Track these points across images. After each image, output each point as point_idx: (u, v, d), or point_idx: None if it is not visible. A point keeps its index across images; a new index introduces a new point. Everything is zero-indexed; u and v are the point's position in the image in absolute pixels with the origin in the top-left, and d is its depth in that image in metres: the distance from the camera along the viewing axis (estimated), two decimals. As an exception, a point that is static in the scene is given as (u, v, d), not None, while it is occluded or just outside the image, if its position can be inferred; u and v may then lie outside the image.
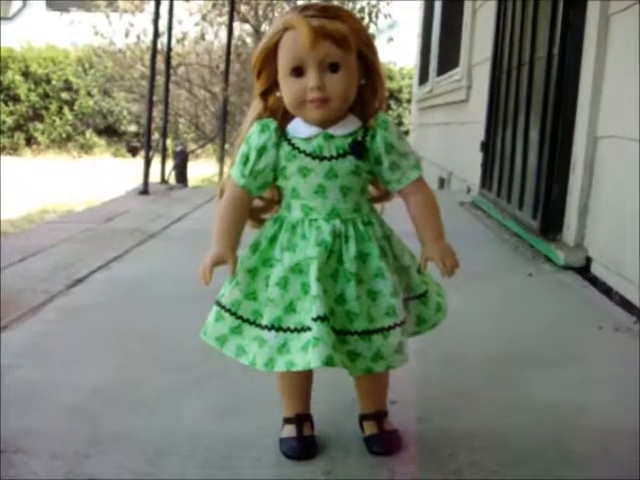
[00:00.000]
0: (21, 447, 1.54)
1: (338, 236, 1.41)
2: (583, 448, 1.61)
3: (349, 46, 1.35)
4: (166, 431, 1.63)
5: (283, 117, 1.44)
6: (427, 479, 1.46)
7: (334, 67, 1.35)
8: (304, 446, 1.53)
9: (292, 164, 1.42)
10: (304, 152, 1.41)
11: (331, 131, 1.41)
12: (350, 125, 1.43)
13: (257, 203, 1.53)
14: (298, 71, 1.36)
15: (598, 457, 1.57)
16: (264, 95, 1.45)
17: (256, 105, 1.47)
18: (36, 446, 1.55)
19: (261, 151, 1.42)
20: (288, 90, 1.39)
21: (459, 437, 1.63)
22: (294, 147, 1.42)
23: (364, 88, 1.44)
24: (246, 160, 1.43)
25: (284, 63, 1.37)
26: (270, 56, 1.39)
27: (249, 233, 1.51)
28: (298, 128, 1.42)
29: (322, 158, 1.41)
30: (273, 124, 1.43)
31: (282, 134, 1.43)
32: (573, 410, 1.80)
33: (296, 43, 1.34)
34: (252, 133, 1.43)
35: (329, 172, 1.41)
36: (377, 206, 1.54)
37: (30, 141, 14.14)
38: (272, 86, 1.43)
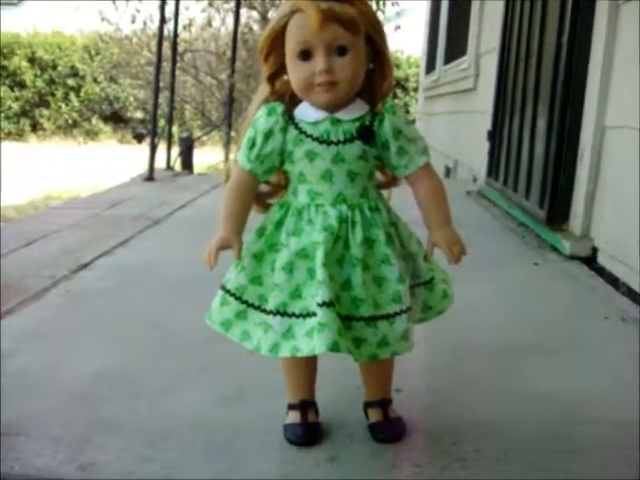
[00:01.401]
0: (23, 431, 1.54)
1: (344, 221, 1.40)
2: (587, 438, 1.60)
3: (358, 29, 1.34)
4: (168, 416, 1.63)
5: (290, 101, 1.42)
6: (430, 466, 1.45)
7: (342, 50, 1.33)
8: (308, 432, 1.53)
9: (299, 148, 1.40)
10: (311, 136, 1.40)
11: (338, 115, 1.40)
12: (358, 110, 1.41)
13: (263, 188, 1.51)
14: (306, 54, 1.34)
15: (602, 447, 1.56)
16: (271, 79, 1.43)
17: (263, 89, 1.45)
18: (38, 430, 1.55)
19: (268, 135, 1.41)
20: (295, 73, 1.37)
21: (463, 425, 1.62)
22: (301, 131, 1.40)
23: (372, 73, 1.42)
24: (252, 144, 1.42)
25: (292, 46, 1.35)
26: (278, 39, 1.37)
27: (255, 218, 1.50)
28: (305, 112, 1.41)
29: (329, 143, 1.39)
30: (280, 108, 1.41)
31: (289, 118, 1.41)
32: (578, 400, 1.79)
33: (304, 26, 1.32)
34: (259, 117, 1.42)
35: (336, 157, 1.39)
36: (384, 193, 1.53)
37: (36, 127, 14.16)
38: (279, 70, 1.41)
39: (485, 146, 5.41)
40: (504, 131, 5.00)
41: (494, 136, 5.26)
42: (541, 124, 4.01)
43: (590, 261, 3.21)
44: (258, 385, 1.79)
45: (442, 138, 7.80)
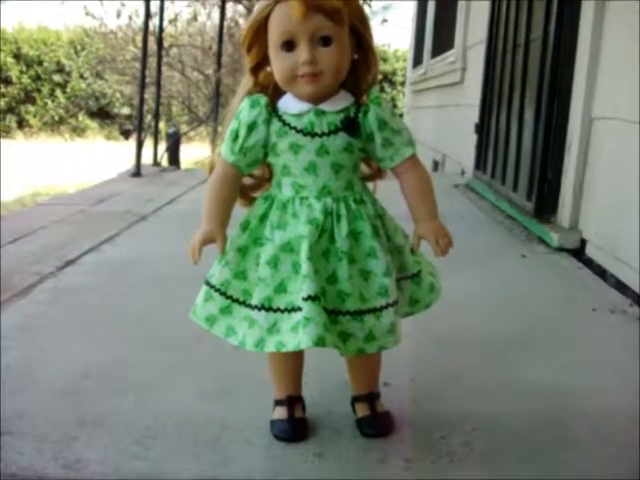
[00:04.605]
0: (9, 429, 1.51)
1: (330, 214, 1.38)
2: (576, 430, 1.60)
3: (341, 19, 1.32)
4: (155, 412, 1.61)
5: (274, 93, 1.41)
6: (419, 461, 1.44)
7: (326, 41, 1.32)
8: (295, 428, 1.51)
9: (283, 141, 1.39)
10: (295, 128, 1.38)
11: (322, 107, 1.38)
12: (342, 101, 1.40)
13: (247, 181, 1.50)
14: (289, 45, 1.33)
15: (591, 439, 1.56)
16: (254, 70, 1.42)
17: (246, 81, 1.43)
18: (24, 428, 1.53)
19: (251, 127, 1.39)
20: (279, 65, 1.35)
21: (452, 419, 1.61)
22: (285, 123, 1.39)
23: (356, 64, 1.40)
24: (236, 136, 1.40)
25: (274, 37, 1.34)
26: (260, 30, 1.35)
27: (240, 212, 1.49)
28: (289, 104, 1.39)
29: (313, 135, 1.38)
30: (264, 100, 1.39)
31: (273, 110, 1.40)
32: (567, 392, 1.78)
33: (287, 16, 1.30)
34: (242, 109, 1.40)
35: (320, 149, 1.38)
36: (369, 185, 1.51)
37: (22, 124, 14.10)
38: (262, 61, 1.40)
39: (473, 139, 5.41)
40: (492, 124, 5.00)
41: (482, 129, 5.26)
42: (528, 116, 4.01)
43: (578, 253, 3.21)
44: (245, 381, 1.77)
45: (430, 132, 7.80)
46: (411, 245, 1.48)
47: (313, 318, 1.29)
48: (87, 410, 1.62)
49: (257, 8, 1.37)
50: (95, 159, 10.04)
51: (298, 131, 1.38)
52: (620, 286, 2.71)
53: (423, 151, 7.37)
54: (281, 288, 1.37)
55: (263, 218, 1.41)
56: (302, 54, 1.32)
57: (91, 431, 1.53)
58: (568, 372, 1.91)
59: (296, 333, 1.31)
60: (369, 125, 1.40)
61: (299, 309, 1.33)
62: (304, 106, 1.38)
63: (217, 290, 1.42)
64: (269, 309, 1.37)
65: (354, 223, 1.39)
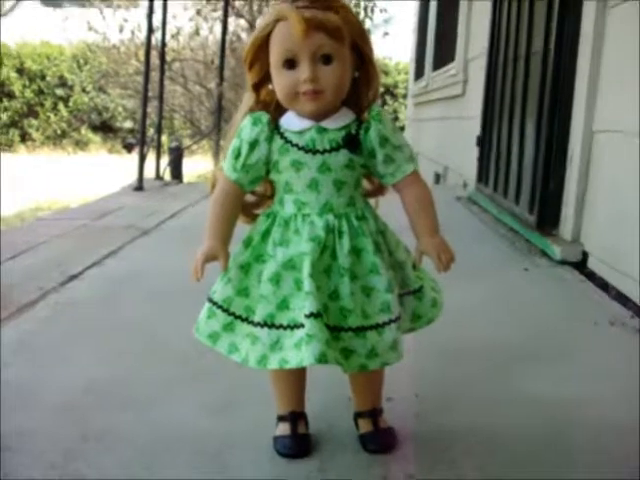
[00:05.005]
0: (10, 445, 1.51)
1: (331, 231, 1.39)
2: (578, 442, 1.60)
3: (342, 37, 1.33)
4: (157, 428, 1.61)
5: (276, 110, 1.42)
6: (422, 476, 1.44)
7: (327, 59, 1.33)
8: (298, 444, 1.51)
9: (285, 158, 1.39)
10: (297, 145, 1.39)
11: (324, 124, 1.39)
12: (343, 118, 1.40)
13: (249, 198, 1.50)
14: (290, 63, 1.34)
15: (593, 451, 1.56)
16: (256, 88, 1.43)
17: (248, 98, 1.44)
18: (26, 444, 1.53)
19: (253, 145, 1.40)
20: (280, 82, 1.36)
21: (455, 433, 1.61)
22: (287, 140, 1.39)
23: (358, 80, 1.41)
24: (238, 154, 1.41)
25: (276, 55, 1.35)
26: (262, 48, 1.36)
27: (243, 228, 1.49)
28: (291, 121, 1.40)
29: (315, 152, 1.38)
30: (265, 117, 1.40)
31: (275, 127, 1.40)
32: (569, 405, 1.78)
33: (288, 34, 1.31)
34: (244, 126, 1.41)
35: (322, 166, 1.38)
36: (371, 201, 1.52)
37: (25, 137, 14.13)
38: (264, 78, 1.40)
39: (474, 152, 5.41)
40: (493, 136, 5.00)
41: (483, 142, 5.26)
42: (530, 129, 4.01)
43: (580, 266, 3.21)
44: (247, 395, 1.78)
45: (432, 144, 7.80)
46: (413, 260, 1.48)
47: (315, 335, 1.29)
48: (89, 425, 1.62)
49: (258, 26, 1.39)
50: (98, 172, 10.06)
51: (300, 148, 1.38)
52: (622, 299, 2.71)
53: (425, 163, 7.39)
54: (283, 305, 1.37)
55: (265, 235, 1.41)
56: (304, 72, 1.32)
57: (93, 447, 1.53)
58: (570, 384, 1.91)
59: (299, 350, 1.31)
60: (370, 142, 1.40)
61: (301, 326, 1.33)
62: (306, 123, 1.39)
63: (220, 307, 1.43)
64: (272, 326, 1.37)
65: (356, 239, 1.40)
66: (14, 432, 1.58)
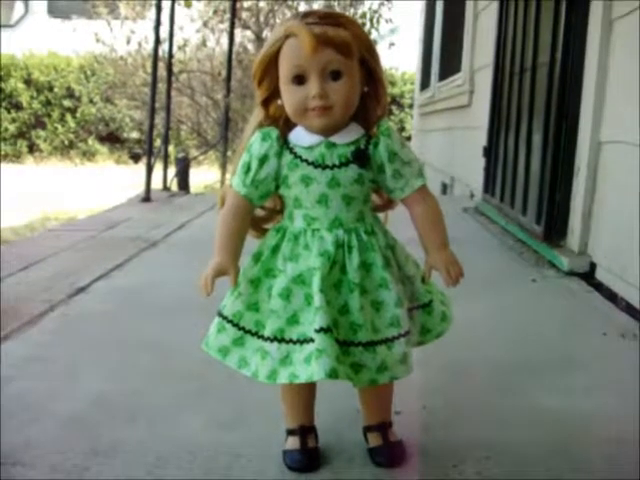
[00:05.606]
0: (20, 460, 1.52)
1: (341, 246, 1.39)
2: (589, 456, 1.59)
3: (351, 53, 1.34)
4: (166, 441, 1.62)
5: (285, 125, 1.42)
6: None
7: (336, 75, 1.34)
8: (308, 458, 1.51)
9: (294, 173, 1.40)
10: (306, 161, 1.39)
11: (333, 139, 1.39)
12: (352, 133, 1.41)
13: (259, 213, 1.51)
14: (300, 79, 1.34)
15: (603, 465, 1.55)
16: (265, 103, 1.43)
17: (257, 113, 1.45)
18: (35, 458, 1.53)
19: (263, 160, 1.40)
20: (290, 98, 1.37)
21: (464, 447, 1.61)
22: (296, 156, 1.40)
23: (366, 95, 1.42)
24: (247, 169, 1.42)
25: (285, 71, 1.35)
26: (271, 64, 1.37)
27: (252, 242, 1.50)
28: (300, 136, 1.41)
29: (324, 167, 1.39)
30: (275, 132, 1.41)
31: (284, 143, 1.41)
32: (578, 418, 1.78)
33: (297, 50, 1.32)
34: (253, 142, 1.42)
35: (331, 181, 1.39)
36: (381, 215, 1.52)
37: (32, 148, 14.15)
38: (273, 94, 1.41)
39: (481, 162, 5.41)
40: (500, 147, 5.00)
41: (490, 152, 5.26)
42: (537, 139, 4.01)
43: (588, 277, 3.20)
44: (257, 409, 1.78)
45: (438, 154, 7.80)
46: (422, 274, 1.49)
47: (325, 350, 1.30)
48: (98, 440, 1.62)
49: (267, 42, 1.39)
50: (105, 183, 10.08)
51: (309, 163, 1.39)
52: (630, 310, 2.70)
53: (431, 174, 7.39)
54: (293, 320, 1.37)
55: (275, 250, 1.42)
56: (313, 88, 1.33)
57: (102, 461, 1.53)
58: (579, 397, 1.91)
59: (309, 365, 1.31)
60: (379, 157, 1.41)
61: (311, 340, 1.33)
62: (315, 139, 1.39)
63: (229, 321, 1.43)
64: (281, 340, 1.37)
65: (365, 254, 1.40)
66: (25, 446, 1.58)
